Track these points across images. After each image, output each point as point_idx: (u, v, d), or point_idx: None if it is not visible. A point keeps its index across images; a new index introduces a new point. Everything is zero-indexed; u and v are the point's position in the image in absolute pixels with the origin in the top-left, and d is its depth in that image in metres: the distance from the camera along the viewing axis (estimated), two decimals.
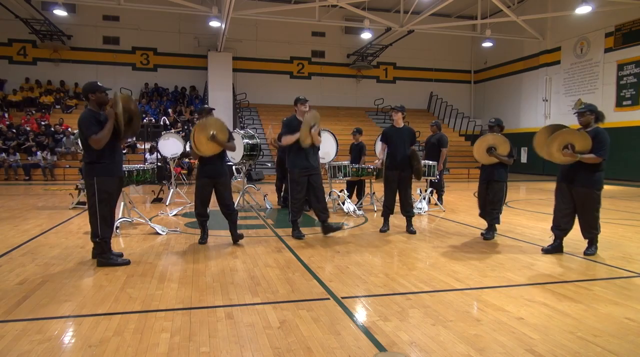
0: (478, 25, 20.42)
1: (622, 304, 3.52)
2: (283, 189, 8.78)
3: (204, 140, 5.28)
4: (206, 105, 5.79)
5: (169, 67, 21.92)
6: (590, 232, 5.05)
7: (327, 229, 6.06)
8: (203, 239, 5.59)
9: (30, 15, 18.54)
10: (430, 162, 8.31)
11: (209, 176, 5.44)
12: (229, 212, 5.53)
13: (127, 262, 4.52)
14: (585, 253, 5.07)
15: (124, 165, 6.81)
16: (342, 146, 9.27)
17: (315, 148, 5.98)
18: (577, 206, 5.02)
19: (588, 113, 4.91)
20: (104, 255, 4.45)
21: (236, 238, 5.57)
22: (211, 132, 5.27)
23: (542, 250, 5.29)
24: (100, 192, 4.35)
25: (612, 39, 17.63)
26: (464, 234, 6.30)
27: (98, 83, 4.47)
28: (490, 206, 5.90)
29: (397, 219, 7.05)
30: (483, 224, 6.03)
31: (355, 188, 9.12)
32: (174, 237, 5.92)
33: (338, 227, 6.11)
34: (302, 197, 5.92)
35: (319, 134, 5.94)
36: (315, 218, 7.42)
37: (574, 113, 5.15)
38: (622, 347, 2.76)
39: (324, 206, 5.98)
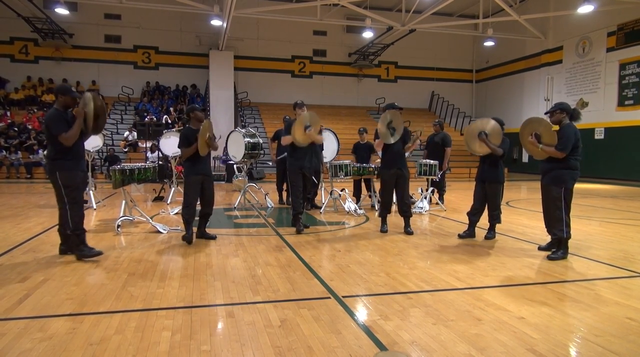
0: (480, 25, 20.39)
1: (623, 304, 3.51)
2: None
3: (203, 143, 5.54)
4: (196, 106, 6.03)
5: (170, 65, 21.93)
6: (553, 233, 4.87)
7: (295, 221, 6.37)
8: (190, 237, 5.54)
9: (32, 13, 18.56)
10: (432, 161, 8.30)
11: (201, 173, 5.63)
12: (209, 211, 5.71)
13: (100, 253, 4.64)
14: (548, 258, 4.83)
15: (125, 164, 6.85)
16: (344, 145, 9.28)
17: (314, 149, 6.32)
18: (543, 202, 5.00)
19: (558, 111, 4.87)
20: (79, 247, 4.60)
21: (208, 237, 5.72)
22: (208, 135, 5.53)
23: (539, 248, 5.32)
24: (65, 187, 4.50)
25: (614, 39, 17.60)
26: None
27: (72, 89, 4.69)
28: (491, 207, 5.88)
29: (398, 219, 7.04)
30: (484, 223, 6.02)
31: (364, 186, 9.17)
32: (175, 236, 5.92)
33: (301, 228, 6.27)
34: (301, 195, 6.35)
35: (321, 133, 6.17)
36: (316, 217, 7.43)
37: (545, 113, 5.15)
38: (623, 347, 2.76)
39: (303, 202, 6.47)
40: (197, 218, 5.69)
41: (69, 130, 4.43)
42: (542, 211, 5.21)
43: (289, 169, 6.44)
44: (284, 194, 9.34)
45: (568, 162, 4.78)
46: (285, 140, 6.28)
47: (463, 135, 5.91)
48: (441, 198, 9.02)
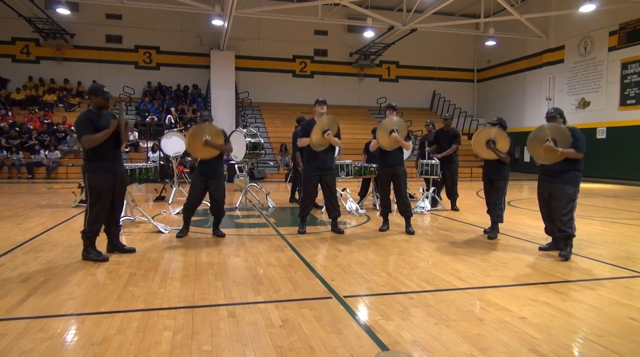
0: (481, 24, 20.36)
1: (625, 304, 3.50)
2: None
3: (198, 145, 5.61)
4: (205, 113, 6.10)
5: (171, 65, 21.92)
6: (562, 231, 4.89)
7: (333, 228, 6.29)
8: (182, 233, 5.85)
9: (34, 13, 18.58)
10: (432, 161, 8.29)
11: (203, 175, 5.80)
12: (217, 212, 5.88)
13: (106, 259, 4.60)
14: (560, 256, 4.86)
15: (126, 164, 6.85)
16: (345, 145, 9.27)
17: (329, 149, 6.16)
18: (552, 202, 4.98)
19: (558, 116, 5.02)
20: (86, 249, 4.63)
21: (218, 234, 5.90)
22: (205, 138, 5.58)
23: (540, 248, 5.30)
24: (90, 188, 4.52)
25: (616, 38, 17.55)
26: (466, 233, 6.28)
27: (104, 88, 4.66)
28: (493, 204, 5.91)
29: (399, 218, 7.03)
30: (486, 222, 6.01)
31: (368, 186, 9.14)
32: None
33: (340, 232, 6.23)
34: (312, 195, 6.23)
35: (338, 137, 6.11)
36: (318, 217, 7.41)
37: (545, 117, 5.19)
38: (626, 347, 2.75)
39: (333, 205, 6.21)
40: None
41: (94, 133, 4.40)
42: (541, 211, 5.21)
43: (304, 170, 6.34)
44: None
45: (579, 163, 4.90)
46: (302, 142, 6.14)
47: (472, 142, 5.96)
48: (451, 198, 8.90)
